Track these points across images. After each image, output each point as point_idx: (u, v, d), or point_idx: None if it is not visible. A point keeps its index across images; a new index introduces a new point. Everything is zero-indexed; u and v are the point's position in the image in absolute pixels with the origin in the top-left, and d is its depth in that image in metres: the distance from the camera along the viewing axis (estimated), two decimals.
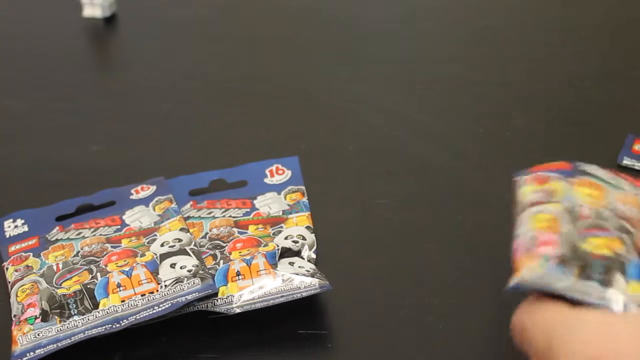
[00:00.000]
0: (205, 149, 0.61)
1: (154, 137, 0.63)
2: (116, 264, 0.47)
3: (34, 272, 0.48)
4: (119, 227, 0.51)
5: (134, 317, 0.44)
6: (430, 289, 0.48)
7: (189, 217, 0.52)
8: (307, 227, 0.51)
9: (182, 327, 0.45)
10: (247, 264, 0.47)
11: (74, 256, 0.49)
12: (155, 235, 0.50)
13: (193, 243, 0.49)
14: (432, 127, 0.62)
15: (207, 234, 0.51)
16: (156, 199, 0.53)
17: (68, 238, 0.51)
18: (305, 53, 0.74)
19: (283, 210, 0.52)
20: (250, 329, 0.45)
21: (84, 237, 0.51)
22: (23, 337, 0.43)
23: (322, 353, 0.44)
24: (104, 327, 0.44)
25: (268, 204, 0.53)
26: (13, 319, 0.45)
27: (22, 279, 0.47)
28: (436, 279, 0.49)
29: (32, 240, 0.51)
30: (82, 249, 0.49)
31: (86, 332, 0.44)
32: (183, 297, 0.45)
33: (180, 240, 0.49)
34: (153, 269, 0.47)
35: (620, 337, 0.32)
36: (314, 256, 0.49)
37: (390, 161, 0.59)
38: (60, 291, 0.46)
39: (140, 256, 0.48)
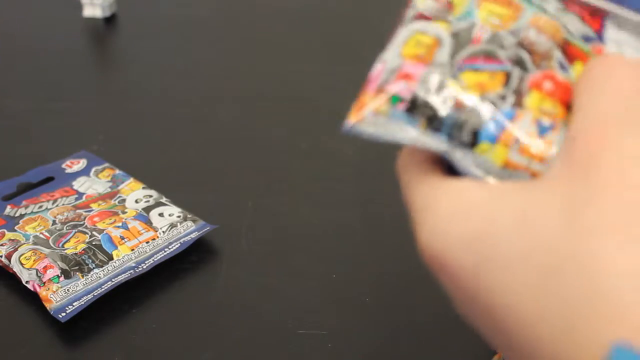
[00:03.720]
0: (205, 149, 0.62)
1: (153, 137, 0.64)
2: (104, 222, 0.51)
3: (25, 243, 0.48)
4: (77, 195, 0.54)
5: (152, 259, 0.48)
6: (432, 290, 0.49)
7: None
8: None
9: (182, 327, 0.46)
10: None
11: (52, 224, 0.51)
12: (121, 196, 0.54)
13: (164, 197, 0.54)
14: None
15: (54, 220, 0.51)
16: (94, 169, 0.57)
17: (32, 212, 0.52)
18: (305, 53, 0.76)
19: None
20: (250, 329, 0.45)
21: (47, 209, 0.52)
22: (55, 295, 0.45)
23: (322, 353, 0.44)
24: (127, 273, 0.47)
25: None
26: (26, 285, 0.46)
27: (15, 250, 0.48)
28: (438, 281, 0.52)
29: None
30: (55, 217, 0.51)
31: (113, 279, 0.46)
32: (188, 237, 0.50)
33: (151, 195, 0.54)
34: (144, 220, 0.51)
35: (494, 216, 0.25)
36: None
37: (390, 161, 0.56)
38: (69, 252, 0.48)
39: (122, 213, 0.52)
